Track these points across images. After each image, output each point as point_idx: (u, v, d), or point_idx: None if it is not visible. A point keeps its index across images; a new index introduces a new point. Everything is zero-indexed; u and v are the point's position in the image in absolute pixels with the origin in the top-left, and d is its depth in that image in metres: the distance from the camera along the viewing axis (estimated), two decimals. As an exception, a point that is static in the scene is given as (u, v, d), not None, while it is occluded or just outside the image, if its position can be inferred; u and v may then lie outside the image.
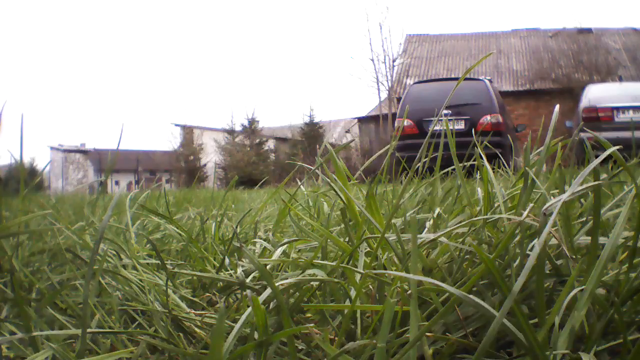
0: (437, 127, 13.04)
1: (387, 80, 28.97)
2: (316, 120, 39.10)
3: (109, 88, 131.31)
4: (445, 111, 13.20)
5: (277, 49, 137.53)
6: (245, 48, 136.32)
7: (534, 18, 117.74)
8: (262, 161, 28.63)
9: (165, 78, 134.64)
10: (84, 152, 37.79)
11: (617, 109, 11.62)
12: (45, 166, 38.05)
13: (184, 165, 32.07)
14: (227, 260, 1.74)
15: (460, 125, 13.23)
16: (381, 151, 2.16)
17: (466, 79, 14.35)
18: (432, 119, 13.35)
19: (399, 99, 26.13)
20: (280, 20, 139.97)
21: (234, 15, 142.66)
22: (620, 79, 14.65)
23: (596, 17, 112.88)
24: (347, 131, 43.84)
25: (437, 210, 1.73)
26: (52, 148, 37.33)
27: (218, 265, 1.73)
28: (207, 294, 1.60)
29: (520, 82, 25.84)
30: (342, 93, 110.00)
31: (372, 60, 29.28)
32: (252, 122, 34.44)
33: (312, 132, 36.62)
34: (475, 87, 13.80)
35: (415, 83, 14.72)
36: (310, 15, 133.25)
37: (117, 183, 61.30)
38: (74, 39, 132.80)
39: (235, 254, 1.83)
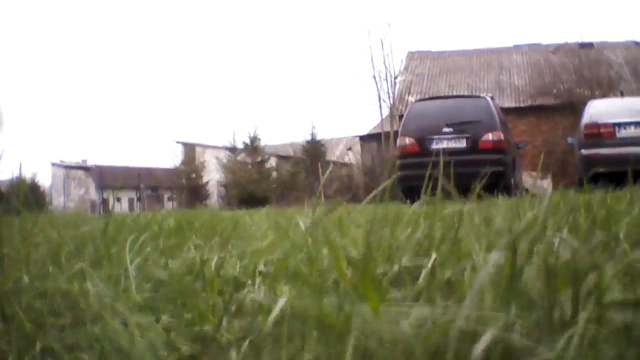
0: (439, 146, 13.07)
1: (389, 98, 29.01)
2: (318, 138, 39.04)
3: (111, 104, 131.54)
4: (446, 129, 13.17)
5: (279, 67, 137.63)
6: (248, 65, 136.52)
7: (536, 33, 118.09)
8: (264, 179, 28.54)
9: (167, 95, 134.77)
10: (86, 169, 37.79)
11: (619, 124, 11.61)
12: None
13: (185, 182, 32.01)
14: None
15: (462, 144, 13.20)
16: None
17: (468, 96, 14.35)
18: (433, 137, 13.31)
19: (400, 117, 26.06)
20: (282, 37, 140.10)
21: (236, 33, 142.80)
22: (622, 94, 14.63)
23: (597, 30, 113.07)
24: (349, 149, 43.78)
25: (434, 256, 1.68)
26: (53, 164, 37.39)
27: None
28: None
29: (522, 98, 25.88)
30: (344, 111, 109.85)
31: (374, 77, 29.31)
32: (253, 140, 34.40)
33: (314, 150, 36.55)
34: (476, 105, 13.78)
35: (416, 101, 14.71)
36: (312, 33, 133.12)
37: (118, 200, 61.24)
38: (77, 53, 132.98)
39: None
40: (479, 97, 14.09)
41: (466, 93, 26.79)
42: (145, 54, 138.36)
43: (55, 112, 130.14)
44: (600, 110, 12.64)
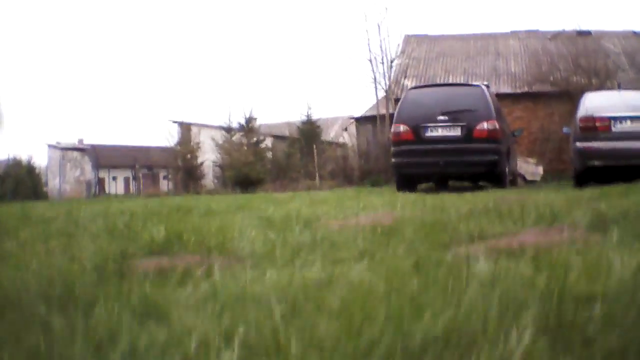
0: (434, 134, 13.04)
1: (385, 81, 28.93)
2: (314, 117, 38.98)
3: (107, 84, 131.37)
4: (441, 117, 13.14)
5: (275, 46, 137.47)
6: (244, 45, 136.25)
7: (534, 19, 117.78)
8: (260, 160, 28.46)
9: (163, 74, 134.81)
10: (82, 150, 37.72)
11: (615, 118, 11.53)
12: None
13: (180, 163, 31.93)
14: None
15: (457, 132, 13.18)
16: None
17: (463, 84, 14.35)
18: (428, 125, 13.27)
19: (396, 100, 26.03)
20: (278, 17, 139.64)
21: (232, 12, 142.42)
22: (619, 86, 14.55)
23: (596, 19, 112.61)
24: (345, 129, 43.73)
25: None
26: (49, 146, 37.36)
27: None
28: None
29: (519, 85, 25.81)
30: (340, 90, 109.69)
31: (370, 60, 29.18)
32: (249, 120, 34.28)
33: (309, 131, 36.50)
34: (471, 93, 13.77)
35: (412, 88, 14.66)
36: (309, 13, 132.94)
37: (114, 179, 61.28)
38: (72, 33, 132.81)
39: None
40: (474, 85, 14.08)
41: (462, 79, 26.82)
42: (141, 33, 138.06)
43: (50, 92, 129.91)
44: (596, 102, 12.56)
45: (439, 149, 13.18)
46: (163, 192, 33.35)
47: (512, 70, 26.79)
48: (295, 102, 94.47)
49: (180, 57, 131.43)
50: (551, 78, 24.91)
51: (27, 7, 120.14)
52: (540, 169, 22.32)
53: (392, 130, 13.92)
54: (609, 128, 11.54)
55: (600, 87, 23.55)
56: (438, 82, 26.79)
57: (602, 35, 28.76)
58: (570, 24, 33.24)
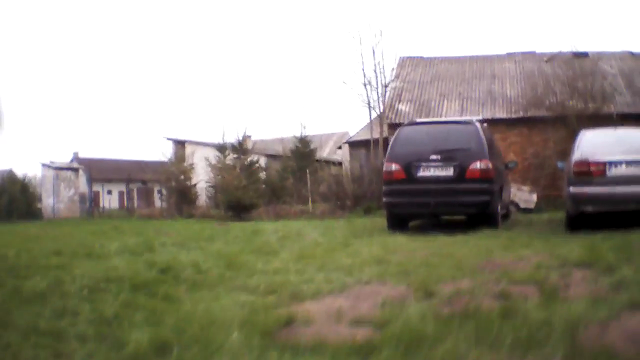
0: (426, 173, 12.89)
1: (379, 105, 28.77)
2: (309, 134, 38.99)
3: (102, 99, 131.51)
4: (434, 156, 13.01)
5: (271, 62, 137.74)
6: (240, 61, 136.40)
7: (530, 41, 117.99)
8: (253, 183, 28.29)
9: (158, 89, 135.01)
10: (75, 170, 37.57)
11: (611, 163, 11.33)
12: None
13: (174, 184, 31.77)
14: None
15: (449, 172, 13.04)
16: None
17: (456, 122, 14.19)
18: (420, 164, 13.12)
19: (390, 125, 25.88)
20: (275, 34, 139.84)
21: (230, 28, 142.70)
22: (616, 125, 14.39)
23: (592, 40, 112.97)
24: (339, 147, 43.67)
25: None
26: (43, 165, 37.23)
27: None
28: None
29: (514, 109, 25.55)
30: (336, 106, 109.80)
31: (365, 85, 29.02)
32: (242, 141, 34.16)
33: (303, 152, 36.50)
34: (465, 131, 13.61)
35: (404, 125, 14.49)
36: (306, 33, 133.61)
37: (109, 192, 61.18)
38: (68, 47, 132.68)
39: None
40: (468, 122, 13.84)
41: (457, 104, 26.66)
42: (135, 49, 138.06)
43: (46, 106, 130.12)
44: (592, 143, 12.34)
45: (431, 189, 13.02)
46: (157, 210, 33.16)
47: (508, 94, 26.53)
48: (291, 117, 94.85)
49: (176, 72, 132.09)
50: (547, 102, 24.56)
51: (24, 20, 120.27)
52: (534, 197, 22.16)
53: (384, 168, 13.77)
54: (603, 172, 11.33)
55: (597, 111, 23.41)
56: (432, 105, 26.77)
57: (599, 56, 28.42)
58: (567, 45, 32.97)
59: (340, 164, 40.89)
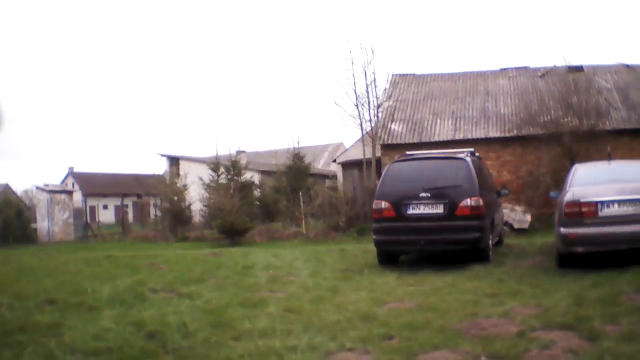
0: (416, 211, 12.88)
1: (371, 125, 28.66)
2: (303, 145, 39.15)
3: (97, 112, 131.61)
4: (423, 194, 13.00)
5: (264, 77, 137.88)
6: (233, 76, 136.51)
7: (524, 55, 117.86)
8: (246, 205, 28.33)
9: (152, 103, 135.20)
10: (69, 193, 37.66)
11: (603, 203, 11.20)
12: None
13: (168, 205, 31.80)
14: None
15: (439, 209, 13.04)
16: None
17: (447, 157, 14.18)
18: (410, 202, 13.13)
19: (383, 145, 25.85)
20: (268, 50, 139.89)
21: (222, 43, 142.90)
22: (609, 158, 14.29)
23: (587, 53, 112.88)
24: (334, 161, 43.70)
25: None
26: (37, 188, 37.34)
27: None
28: None
29: (508, 127, 25.42)
30: (329, 119, 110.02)
31: (357, 106, 28.93)
32: (235, 161, 34.27)
33: (298, 168, 36.58)
34: (455, 168, 13.62)
35: (394, 162, 14.49)
36: (298, 48, 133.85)
37: (105, 207, 61.33)
38: (64, 62, 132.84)
39: None
40: (458, 158, 13.82)
41: (451, 123, 26.58)
42: (130, 64, 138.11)
43: (41, 123, 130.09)
44: (584, 180, 12.33)
45: (421, 227, 13.02)
46: (151, 232, 33.17)
47: (502, 111, 26.42)
48: (285, 128, 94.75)
49: (170, 85, 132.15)
50: (541, 120, 24.45)
51: (20, 34, 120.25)
52: (528, 217, 22.14)
53: (374, 206, 13.78)
54: (595, 213, 11.21)
55: (591, 128, 23.35)
56: (425, 124, 26.70)
57: (594, 70, 28.44)
58: (562, 59, 32.85)
59: (335, 176, 40.94)
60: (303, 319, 8.27)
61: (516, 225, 21.79)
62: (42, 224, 36.50)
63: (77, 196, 43.85)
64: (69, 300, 9.59)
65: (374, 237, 13.85)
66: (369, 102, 28.79)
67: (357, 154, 32.32)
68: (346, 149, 43.77)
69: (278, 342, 7.00)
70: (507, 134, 25.40)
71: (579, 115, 24.09)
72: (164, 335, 7.48)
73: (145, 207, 44.65)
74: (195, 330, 7.73)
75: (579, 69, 28.50)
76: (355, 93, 29.03)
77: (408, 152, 15.56)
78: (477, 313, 8.20)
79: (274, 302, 9.65)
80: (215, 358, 6.65)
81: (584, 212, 11.30)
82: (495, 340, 6.60)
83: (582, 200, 11.38)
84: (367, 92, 28.88)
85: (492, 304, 8.78)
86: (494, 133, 25.58)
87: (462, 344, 6.62)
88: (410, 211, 13.18)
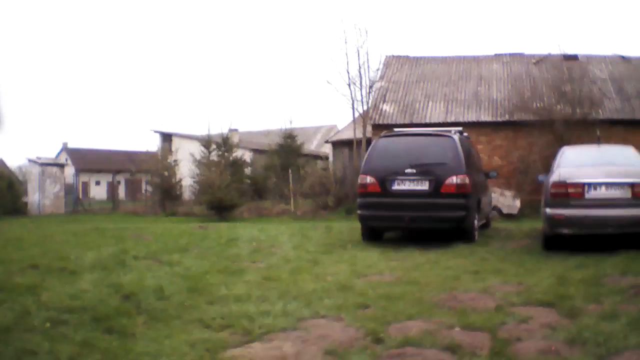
0: (401, 187, 12.79)
1: (363, 105, 28.61)
2: (296, 126, 39.12)
3: (91, 90, 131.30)
4: (409, 170, 12.89)
5: (259, 57, 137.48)
6: (227, 56, 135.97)
7: (519, 42, 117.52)
8: (237, 181, 28.28)
9: (146, 80, 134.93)
10: (60, 166, 37.53)
11: (590, 184, 11.05)
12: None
13: (158, 181, 31.73)
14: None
15: (424, 186, 12.92)
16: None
17: (434, 134, 14.05)
18: (395, 178, 13.01)
19: (374, 125, 25.73)
20: (263, 30, 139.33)
21: (217, 22, 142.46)
22: (599, 140, 14.13)
23: (583, 42, 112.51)
24: (327, 141, 43.60)
25: None
26: (29, 160, 37.18)
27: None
28: None
29: (500, 112, 25.27)
30: (323, 100, 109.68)
31: (349, 85, 28.84)
32: (227, 138, 34.19)
33: (290, 147, 36.54)
34: (443, 145, 13.46)
35: (381, 137, 14.34)
36: (292, 28, 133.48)
37: (98, 183, 61.24)
38: (59, 40, 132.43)
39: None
40: (446, 136, 13.66)
41: (442, 105, 26.46)
42: (124, 41, 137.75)
43: (35, 98, 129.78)
44: (572, 162, 12.19)
45: (406, 203, 12.89)
46: (141, 207, 33.17)
47: (494, 96, 26.26)
48: (278, 109, 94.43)
49: (164, 63, 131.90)
50: (534, 106, 24.31)
51: (15, 14, 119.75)
52: (518, 202, 22.05)
53: (359, 181, 13.68)
54: (582, 195, 11.06)
55: (584, 116, 23.23)
56: (417, 106, 26.57)
57: (589, 59, 28.22)
58: (557, 48, 32.71)
59: (327, 158, 40.93)
60: (280, 287, 8.26)
61: (505, 210, 21.72)
62: (33, 197, 36.38)
63: (70, 171, 43.74)
64: (51, 265, 9.52)
65: (359, 211, 13.74)
66: (361, 82, 28.73)
67: (349, 135, 32.22)
68: (339, 131, 43.78)
69: (252, 307, 6.98)
70: (499, 119, 25.24)
71: (572, 104, 23.91)
72: (139, 297, 7.44)
73: (138, 184, 44.64)
74: (170, 294, 7.71)
75: (573, 57, 28.30)
76: (348, 73, 29.01)
77: (396, 129, 15.44)
78: (456, 287, 8.16)
79: (253, 271, 9.65)
80: (187, 319, 6.65)
81: (570, 193, 11.15)
82: (472, 313, 6.54)
83: (568, 181, 11.23)
84: (360, 72, 28.87)
85: (472, 280, 8.73)
86: (485, 117, 25.44)
87: (437, 315, 6.58)
88: (396, 187, 13.06)
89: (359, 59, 28.94)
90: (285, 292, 7.88)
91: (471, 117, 25.52)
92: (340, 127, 46.00)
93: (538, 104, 24.55)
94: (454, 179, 12.81)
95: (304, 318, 6.58)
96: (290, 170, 28.61)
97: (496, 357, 5.11)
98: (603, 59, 28.82)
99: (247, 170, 35.79)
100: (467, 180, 12.88)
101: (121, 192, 51.07)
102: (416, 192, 12.94)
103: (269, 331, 6.09)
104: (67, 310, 6.66)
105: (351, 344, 5.61)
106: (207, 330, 6.25)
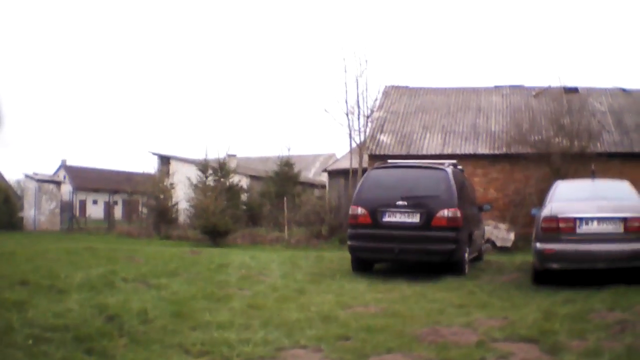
0: (392, 219, 12.79)
1: (359, 135, 28.64)
2: (294, 153, 39.20)
3: (92, 107, 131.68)
4: (400, 202, 12.90)
5: (260, 85, 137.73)
6: (227, 80, 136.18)
7: (519, 74, 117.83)
8: (232, 207, 28.35)
9: (144, 103, 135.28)
10: (57, 183, 37.65)
11: (581, 219, 11.00)
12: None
13: (154, 203, 31.80)
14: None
15: (415, 219, 12.91)
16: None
17: (427, 167, 14.07)
18: (386, 209, 13.00)
19: (371, 156, 25.73)
20: (264, 55, 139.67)
21: (217, 48, 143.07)
22: (593, 176, 14.07)
23: (584, 75, 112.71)
24: (324, 170, 43.65)
25: None
26: (26, 176, 37.28)
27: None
28: None
29: (497, 145, 25.23)
30: (323, 128, 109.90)
31: (347, 114, 28.87)
32: (223, 163, 34.26)
33: (287, 175, 36.63)
34: (435, 177, 13.48)
35: (373, 168, 14.40)
36: (293, 54, 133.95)
37: (95, 202, 61.25)
38: (59, 58, 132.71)
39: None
40: (439, 169, 13.68)
41: (440, 137, 26.42)
42: (124, 62, 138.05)
43: (35, 115, 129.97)
44: (564, 197, 12.22)
45: (396, 235, 12.86)
46: (136, 229, 33.15)
47: (492, 129, 26.23)
48: (277, 136, 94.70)
49: (164, 86, 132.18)
50: (531, 139, 24.27)
51: (15, 29, 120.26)
52: (512, 235, 22.01)
53: (350, 212, 13.67)
54: (573, 229, 11.00)
55: (582, 150, 23.21)
56: (414, 137, 26.55)
57: (590, 92, 28.21)
58: (557, 80, 32.66)
59: (324, 186, 40.99)
60: (264, 315, 8.27)
61: (499, 243, 21.69)
62: (29, 213, 36.45)
63: (67, 189, 43.82)
64: (41, 283, 9.55)
65: (349, 242, 13.72)
66: (359, 112, 28.75)
67: (346, 164, 32.23)
68: (337, 159, 43.82)
69: (234, 334, 7.02)
70: (497, 151, 25.17)
71: (570, 136, 23.80)
72: (123, 319, 7.47)
73: (135, 205, 44.68)
74: (154, 317, 7.74)
75: (574, 90, 28.25)
76: (346, 102, 28.99)
77: (390, 160, 15.46)
78: (439, 321, 8.14)
79: (239, 298, 9.65)
80: (168, 344, 6.68)
81: (561, 227, 11.10)
82: (452, 348, 6.53)
83: (559, 215, 11.18)
84: (358, 101, 28.83)
85: (457, 314, 8.72)
86: (483, 149, 25.40)
87: (417, 349, 6.58)
88: (386, 219, 13.05)
89: (357, 88, 28.92)
90: (268, 320, 7.89)
91: (468, 149, 25.51)
92: (338, 156, 46.04)
93: (536, 137, 24.42)
94: (445, 212, 12.80)
95: (284, 347, 6.62)
96: (285, 198, 28.57)
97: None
98: (603, 92, 28.81)
99: (244, 197, 35.83)
100: (458, 214, 12.87)
101: (119, 212, 51.07)
102: (407, 225, 12.92)
103: (247, 359, 6.08)
104: (51, 329, 6.72)
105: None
106: (186, 355, 6.32)
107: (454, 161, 15.33)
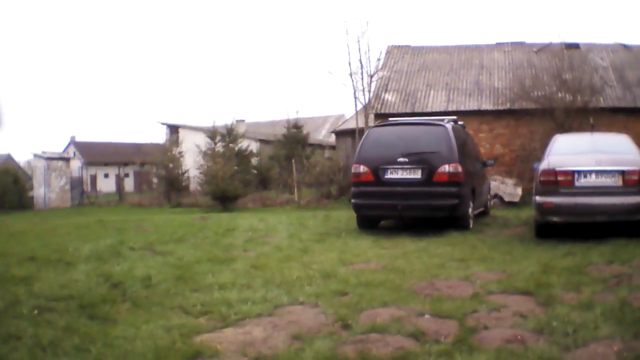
0: (394, 176, 12.86)
1: (364, 95, 28.67)
2: (304, 116, 39.18)
3: (99, 81, 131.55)
4: (401, 159, 12.96)
5: (266, 49, 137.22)
6: (233, 45, 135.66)
7: (520, 31, 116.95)
8: (242, 172, 28.46)
9: (151, 72, 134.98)
10: (66, 159, 37.74)
11: (580, 172, 11.02)
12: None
13: (164, 173, 31.95)
14: None
15: (417, 175, 12.96)
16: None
17: (427, 123, 14.09)
18: (388, 166, 13.08)
19: (376, 115, 25.76)
20: (268, 21, 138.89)
21: (222, 16, 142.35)
22: (592, 129, 14.06)
23: (584, 31, 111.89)
24: (333, 132, 43.61)
25: None
26: (35, 155, 37.38)
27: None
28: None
29: (501, 101, 25.25)
30: (331, 90, 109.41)
31: (350, 75, 28.91)
32: (232, 129, 34.31)
33: (296, 137, 36.64)
34: (435, 134, 13.50)
35: (374, 126, 14.46)
36: (297, 18, 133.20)
37: (106, 176, 61.41)
38: (65, 34, 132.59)
39: None
40: (439, 125, 13.71)
41: (444, 94, 26.47)
42: (130, 34, 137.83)
43: (43, 93, 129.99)
44: (563, 150, 12.22)
45: (398, 192, 12.96)
46: (147, 199, 33.32)
47: (496, 85, 26.25)
48: (286, 100, 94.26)
49: (170, 56, 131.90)
50: (535, 95, 24.24)
51: (21, 8, 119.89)
52: (519, 190, 22.06)
53: (352, 170, 13.76)
54: (571, 182, 11.03)
55: (585, 104, 23.22)
56: (419, 95, 26.61)
57: (591, 48, 28.18)
58: (558, 36, 32.53)
59: (334, 147, 41.02)
60: (266, 275, 8.39)
61: (507, 198, 21.75)
62: (38, 191, 36.60)
63: (76, 165, 43.91)
64: (49, 257, 9.65)
65: (353, 200, 13.81)
66: (362, 72, 28.78)
67: (354, 125, 32.31)
68: (346, 120, 43.80)
69: (234, 294, 7.14)
70: (500, 107, 25.21)
71: (573, 92, 23.81)
72: (126, 286, 7.64)
73: (146, 176, 44.81)
74: (157, 282, 7.89)
75: (575, 46, 28.25)
76: (349, 63, 29.06)
77: (391, 118, 15.50)
78: (438, 275, 8.24)
79: (243, 260, 9.76)
80: (169, 306, 6.82)
81: (559, 181, 11.13)
82: (446, 301, 6.60)
83: (557, 169, 11.20)
84: (361, 62, 28.90)
85: (456, 268, 8.80)
86: (487, 106, 25.46)
87: (412, 302, 6.66)
88: (388, 176, 13.13)
89: (359, 48, 28.98)
90: (269, 280, 8.01)
91: (472, 105, 25.58)
92: (347, 117, 46.03)
93: (539, 93, 24.43)
94: (447, 167, 12.87)
95: (282, 305, 6.73)
96: (293, 161, 28.66)
97: (459, 344, 5.16)
98: (604, 48, 28.79)
99: (254, 161, 35.91)
100: (459, 169, 12.93)
101: (130, 184, 51.25)
102: (409, 181, 13.01)
103: (244, 317, 6.26)
104: (56, 299, 6.88)
105: (319, 329, 5.75)
106: (185, 316, 6.43)
107: (455, 117, 15.36)
